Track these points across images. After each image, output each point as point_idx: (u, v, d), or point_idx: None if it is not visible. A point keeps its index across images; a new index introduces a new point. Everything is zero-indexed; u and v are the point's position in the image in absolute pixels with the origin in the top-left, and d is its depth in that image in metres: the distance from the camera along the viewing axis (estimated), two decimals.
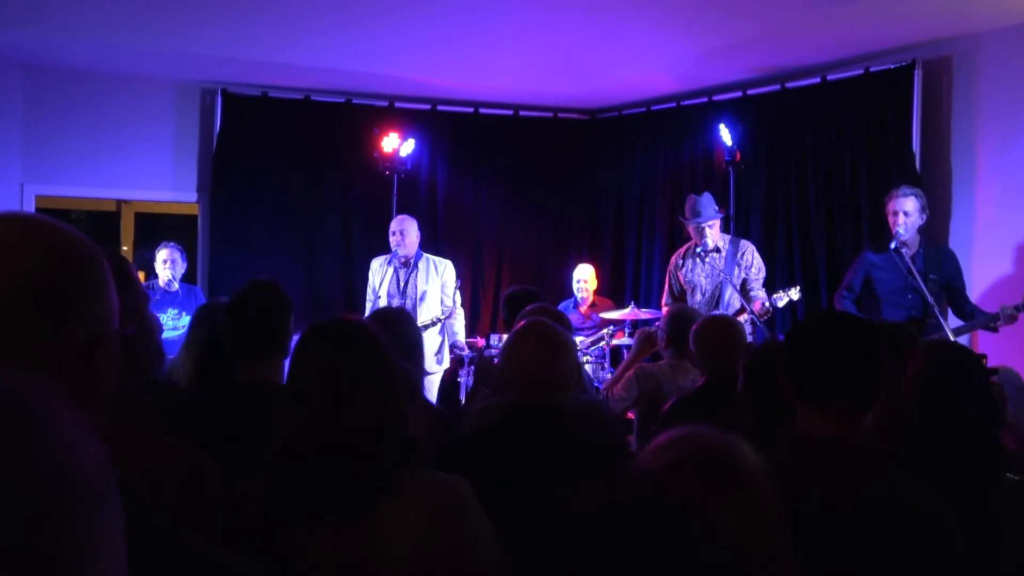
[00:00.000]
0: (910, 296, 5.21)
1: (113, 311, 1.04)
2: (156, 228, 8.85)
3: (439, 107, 8.06)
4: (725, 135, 6.89)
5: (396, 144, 7.51)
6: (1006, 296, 5.36)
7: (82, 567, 0.54)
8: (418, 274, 6.49)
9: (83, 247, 1.03)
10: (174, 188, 7.68)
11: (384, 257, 6.63)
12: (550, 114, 8.37)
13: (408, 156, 7.62)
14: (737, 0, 5.79)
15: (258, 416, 2.45)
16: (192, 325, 3.27)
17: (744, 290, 5.89)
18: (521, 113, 8.26)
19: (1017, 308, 4.91)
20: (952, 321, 5.24)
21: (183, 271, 6.76)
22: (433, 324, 6.25)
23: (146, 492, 1.38)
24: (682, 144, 7.78)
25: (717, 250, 5.96)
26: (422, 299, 6.44)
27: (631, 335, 6.60)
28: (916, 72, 6.17)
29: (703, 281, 5.98)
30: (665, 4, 6.04)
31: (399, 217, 6.67)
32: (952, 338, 4.78)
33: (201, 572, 1.06)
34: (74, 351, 0.97)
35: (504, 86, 7.71)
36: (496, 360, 2.63)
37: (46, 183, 7.33)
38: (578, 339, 6.35)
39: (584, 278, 7.19)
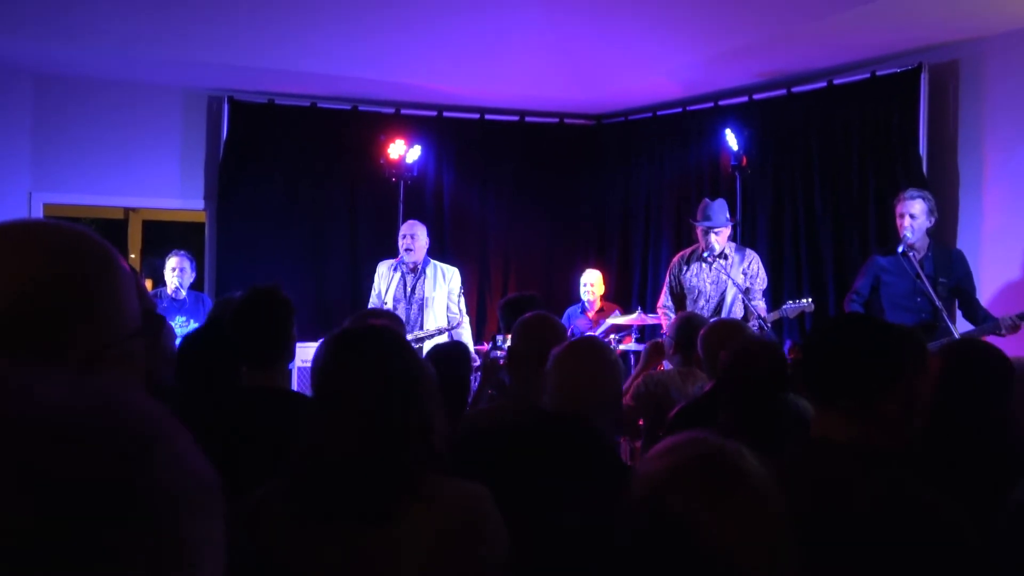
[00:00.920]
0: (919, 300, 5.19)
1: (130, 315, 1.03)
2: (163, 236, 8.88)
3: (445, 113, 8.07)
4: (731, 140, 6.88)
5: (402, 151, 7.52)
6: (1014, 298, 5.34)
7: (199, 562, 0.58)
8: (425, 280, 6.44)
9: (97, 250, 1.02)
10: (181, 196, 7.71)
11: (391, 262, 6.59)
12: (556, 120, 8.37)
13: (414, 162, 7.63)
14: (743, 5, 5.79)
15: (265, 421, 2.46)
16: (196, 332, 3.28)
17: (747, 298, 5.88)
18: (527, 119, 8.27)
19: (1020, 317, 4.91)
20: (960, 325, 5.22)
21: (192, 279, 6.78)
22: (439, 333, 6.22)
23: None
24: (688, 149, 7.78)
25: (724, 257, 5.95)
26: (428, 305, 6.40)
27: (638, 340, 6.60)
28: (922, 76, 6.16)
29: (708, 287, 5.96)
30: (671, 10, 6.04)
31: (409, 222, 6.64)
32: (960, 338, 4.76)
33: None
34: (86, 356, 0.97)
35: (510, 92, 7.72)
36: (547, 368, 2.65)
37: (54, 191, 7.37)
38: None
39: (591, 282, 7.19)
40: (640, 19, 6.24)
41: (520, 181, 8.33)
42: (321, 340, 1.94)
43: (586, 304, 7.20)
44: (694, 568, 1.29)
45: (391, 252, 6.74)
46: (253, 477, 1.85)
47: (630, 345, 6.55)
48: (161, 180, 7.62)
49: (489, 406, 3.24)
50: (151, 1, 6.05)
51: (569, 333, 4.21)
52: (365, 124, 7.83)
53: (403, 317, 6.31)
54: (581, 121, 8.47)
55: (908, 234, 5.20)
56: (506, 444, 2.49)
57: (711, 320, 4.45)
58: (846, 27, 5.82)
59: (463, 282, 6.73)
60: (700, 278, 5.99)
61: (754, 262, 5.98)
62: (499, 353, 4.65)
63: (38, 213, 7.27)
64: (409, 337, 6.07)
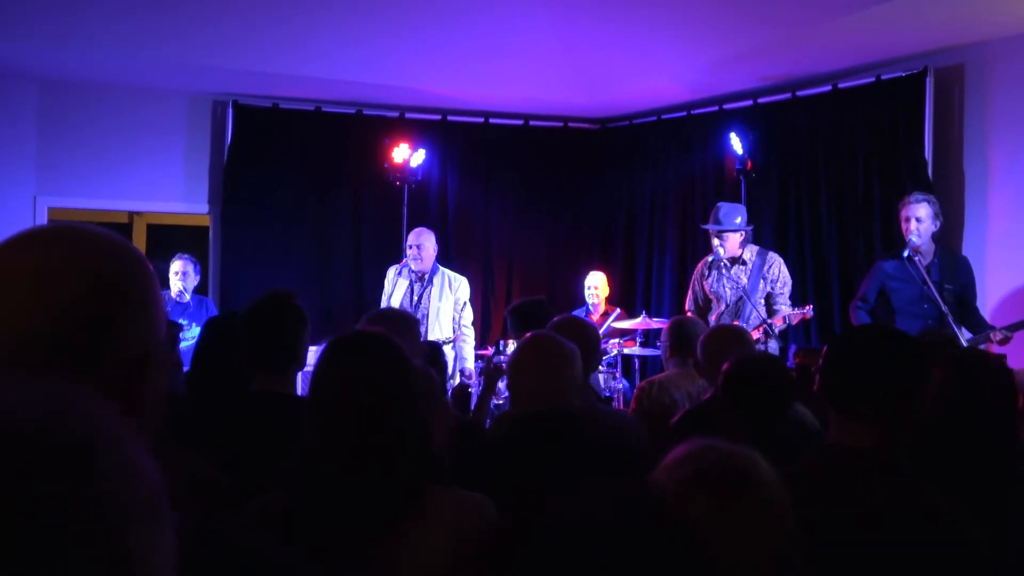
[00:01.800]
0: (925, 306, 5.18)
1: (160, 322, 1.04)
2: (167, 239, 8.89)
3: (449, 117, 8.07)
4: (736, 144, 6.87)
5: (406, 154, 7.51)
6: (1020, 302, 5.33)
7: (149, 574, 0.57)
8: (432, 290, 6.38)
9: (130, 260, 1.03)
10: (185, 199, 7.72)
11: (399, 266, 6.55)
12: (560, 123, 8.37)
13: (419, 166, 7.62)
14: (747, 9, 5.79)
15: (273, 427, 2.45)
16: (202, 337, 3.27)
17: (768, 304, 5.85)
18: (531, 123, 8.26)
19: (1011, 329, 4.94)
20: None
21: (196, 283, 6.78)
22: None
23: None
24: (693, 153, 7.76)
25: (743, 262, 5.91)
26: (433, 316, 6.32)
27: (642, 344, 6.59)
28: (928, 80, 6.15)
29: (727, 293, 5.92)
30: (675, 13, 6.04)
31: (417, 230, 6.58)
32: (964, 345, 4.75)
33: None
34: (124, 367, 0.97)
35: (514, 96, 7.72)
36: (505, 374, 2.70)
37: (59, 195, 7.37)
38: None
39: (596, 285, 7.19)
40: (644, 23, 6.23)
41: (524, 185, 8.33)
42: (322, 344, 1.93)
43: (590, 307, 7.20)
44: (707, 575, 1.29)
45: (395, 256, 6.74)
46: (260, 482, 1.84)
47: (634, 349, 6.54)
48: (165, 184, 7.63)
49: (496, 415, 3.26)
50: (155, 6, 6.06)
51: None
52: (369, 128, 7.83)
53: None
54: (585, 125, 8.47)
55: (914, 238, 5.19)
56: (508, 451, 2.50)
57: (715, 326, 4.42)
58: (851, 31, 5.82)
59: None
60: (721, 284, 5.94)
61: (775, 266, 5.92)
62: (502, 359, 4.64)
63: (43, 217, 7.28)
64: None
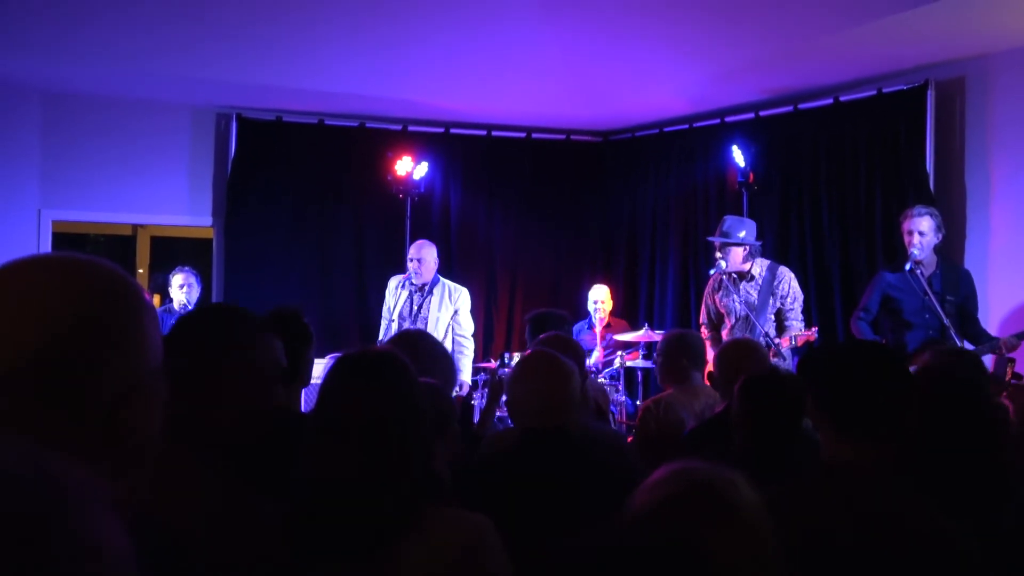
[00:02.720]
0: (927, 316, 5.18)
1: (150, 354, 1.02)
2: (171, 252, 8.92)
3: (452, 130, 8.10)
4: (738, 156, 6.89)
5: (409, 167, 7.54)
6: (1023, 315, 5.32)
7: None
8: (432, 299, 6.40)
9: (128, 289, 1.02)
10: (189, 212, 7.74)
11: (400, 278, 6.56)
12: (563, 136, 8.39)
13: (421, 179, 7.64)
14: (748, 22, 5.81)
15: (276, 442, 2.45)
16: None
17: (779, 319, 5.83)
18: (534, 136, 8.29)
19: (1020, 336, 4.93)
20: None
21: (198, 295, 6.80)
22: None
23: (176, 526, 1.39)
24: (695, 165, 7.78)
25: (752, 277, 5.89)
26: (432, 326, 6.31)
27: (645, 357, 6.59)
28: (929, 93, 6.16)
29: (737, 307, 5.88)
30: (677, 27, 6.06)
31: (417, 243, 6.59)
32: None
33: None
34: (107, 403, 0.96)
35: (517, 109, 7.74)
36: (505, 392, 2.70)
37: (63, 208, 7.40)
38: (591, 360, 6.35)
39: (600, 299, 7.18)
40: (647, 36, 6.26)
41: (527, 197, 8.34)
42: (330, 358, 1.93)
43: (594, 320, 7.19)
44: None
45: (398, 268, 6.75)
46: (263, 496, 1.84)
47: (636, 361, 6.55)
48: (169, 197, 7.65)
49: (496, 432, 3.25)
50: (159, 19, 6.09)
51: None
52: (372, 141, 7.86)
53: None
54: (588, 137, 8.49)
55: (916, 251, 5.19)
56: (507, 469, 2.50)
57: (730, 340, 4.38)
58: (852, 44, 5.83)
59: (470, 297, 6.68)
60: (731, 299, 5.91)
61: (784, 281, 5.87)
62: (507, 372, 4.65)
63: (47, 230, 7.30)
64: None
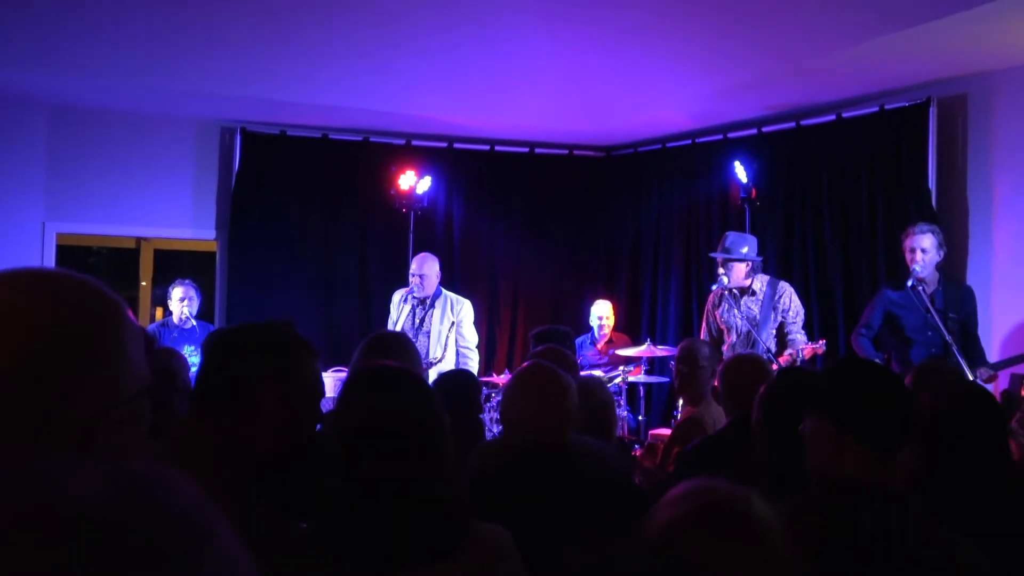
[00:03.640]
0: (929, 334, 5.18)
1: (137, 373, 1.00)
2: (175, 265, 8.92)
3: (455, 145, 8.12)
4: (740, 172, 6.90)
5: (413, 182, 7.56)
6: None
7: None
8: (434, 312, 6.38)
9: (107, 306, 1.00)
10: (193, 225, 7.76)
11: (403, 291, 6.55)
12: (565, 151, 8.41)
13: (424, 193, 7.66)
14: (751, 40, 5.83)
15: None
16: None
17: (781, 334, 5.83)
18: (537, 151, 8.31)
19: (996, 367, 5.00)
20: None
21: (198, 308, 6.80)
22: (428, 366, 6.06)
23: None
24: (697, 181, 7.79)
25: (753, 292, 5.90)
26: (436, 338, 6.31)
27: (647, 372, 6.59)
28: (931, 109, 6.17)
29: (738, 322, 5.89)
30: (680, 43, 6.09)
31: (419, 257, 6.56)
32: (971, 376, 4.74)
33: None
34: (91, 416, 0.94)
35: (520, 124, 7.77)
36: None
37: (67, 221, 7.42)
38: (595, 374, 6.35)
39: (603, 314, 7.19)
40: (649, 52, 6.28)
41: (529, 212, 8.36)
42: (333, 371, 1.93)
43: (596, 336, 7.19)
44: None
45: (401, 282, 6.75)
46: (274, 511, 1.84)
47: (639, 376, 6.54)
48: (173, 210, 7.67)
49: (482, 444, 3.24)
50: (165, 34, 6.13)
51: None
52: (376, 155, 7.88)
53: None
54: (590, 153, 8.51)
55: (918, 268, 5.20)
56: (504, 483, 2.50)
57: (734, 355, 4.35)
58: (855, 61, 5.85)
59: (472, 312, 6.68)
60: (732, 314, 5.92)
61: (785, 296, 5.89)
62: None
63: (51, 243, 7.32)
64: None
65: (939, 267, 5.33)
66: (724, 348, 5.90)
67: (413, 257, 6.80)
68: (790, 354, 5.53)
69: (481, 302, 7.90)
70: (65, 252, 7.69)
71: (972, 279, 5.92)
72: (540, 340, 4.57)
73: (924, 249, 5.23)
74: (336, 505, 1.75)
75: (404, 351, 3.10)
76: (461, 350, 6.41)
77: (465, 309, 6.47)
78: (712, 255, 5.99)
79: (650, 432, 5.93)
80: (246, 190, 7.63)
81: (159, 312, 8.46)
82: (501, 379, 6.56)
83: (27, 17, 5.84)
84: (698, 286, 7.61)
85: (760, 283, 5.92)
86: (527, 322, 7.90)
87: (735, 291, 5.87)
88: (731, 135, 7.46)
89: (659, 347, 6.53)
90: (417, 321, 6.37)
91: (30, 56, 6.22)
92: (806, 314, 6.60)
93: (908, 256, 5.30)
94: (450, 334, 6.39)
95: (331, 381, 5.05)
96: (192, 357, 6.34)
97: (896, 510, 1.92)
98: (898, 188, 6.37)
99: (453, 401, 2.80)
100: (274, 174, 7.69)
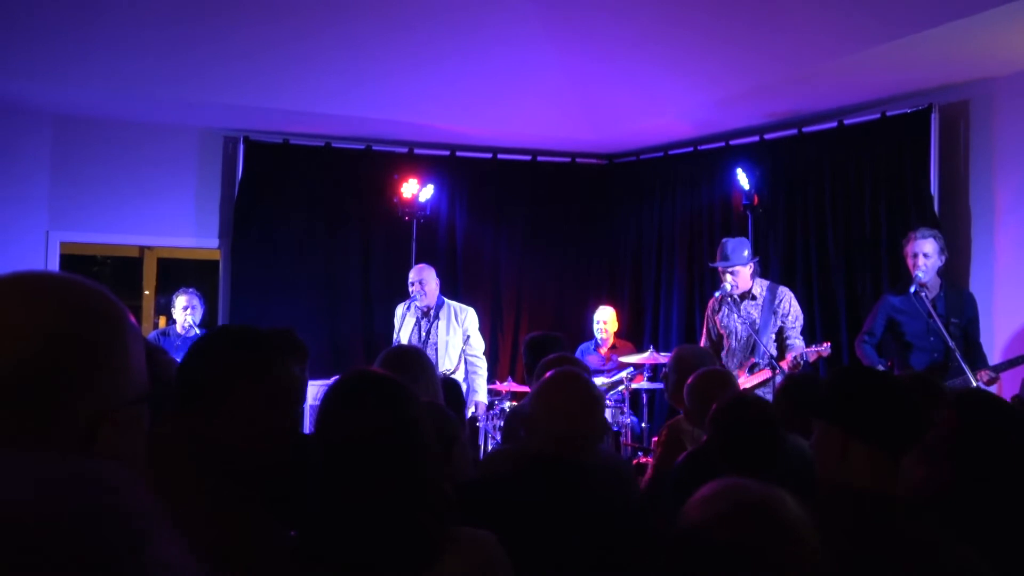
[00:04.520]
0: (932, 340, 5.18)
1: (137, 379, 1.00)
2: (178, 273, 8.94)
3: (458, 153, 8.14)
4: (743, 179, 6.90)
5: (415, 190, 7.57)
6: None
7: None
8: (440, 323, 6.37)
9: (108, 310, 0.99)
10: (196, 234, 7.77)
11: (407, 303, 6.55)
12: (568, 159, 8.42)
13: (427, 201, 7.67)
14: (753, 47, 5.84)
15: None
16: None
17: (781, 338, 5.84)
18: (539, 158, 8.32)
19: (997, 369, 4.98)
20: None
21: (201, 316, 6.81)
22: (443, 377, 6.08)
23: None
24: (700, 188, 7.80)
25: (753, 296, 5.91)
26: (443, 350, 6.31)
27: (650, 379, 6.58)
28: (933, 116, 6.18)
29: (738, 328, 5.90)
30: (681, 51, 6.10)
31: (417, 267, 6.58)
32: (974, 382, 4.74)
33: None
34: (89, 420, 0.94)
35: (522, 132, 7.78)
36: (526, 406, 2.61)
37: (71, 230, 7.44)
38: (598, 380, 6.35)
39: (605, 320, 7.20)
40: (651, 60, 6.30)
41: (532, 220, 8.37)
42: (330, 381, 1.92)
43: (599, 341, 7.20)
44: None
45: (404, 290, 6.76)
46: (266, 520, 1.84)
47: (642, 384, 6.54)
48: (176, 218, 7.69)
49: (495, 450, 3.22)
50: (168, 44, 6.16)
51: None
52: (379, 163, 7.89)
53: None
54: (593, 160, 8.52)
55: (921, 274, 5.20)
56: (516, 493, 2.47)
57: (704, 367, 4.34)
58: (856, 68, 5.86)
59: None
60: (731, 319, 5.93)
61: (785, 300, 5.91)
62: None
63: (55, 251, 7.34)
64: None
65: (941, 273, 5.33)
66: (723, 353, 5.91)
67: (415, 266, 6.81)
68: (793, 358, 5.54)
69: (484, 310, 7.90)
70: (69, 261, 7.71)
71: (975, 285, 5.92)
72: (535, 347, 4.52)
73: (926, 254, 5.23)
74: (317, 512, 1.74)
75: (420, 366, 3.10)
76: (469, 359, 6.40)
77: (471, 317, 6.47)
78: (717, 266, 5.97)
79: (653, 439, 5.93)
80: (249, 199, 7.64)
81: (163, 320, 8.47)
82: (504, 386, 6.56)
83: (31, 27, 5.87)
84: (701, 293, 7.62)
85: (760, 287, 5.95)
86: (530, 329, 7.89)
87: (735, 296, 5.88)
88: (733, 142, 7.47)
89: (662, 354, 6.52)
90: (423, 334, 6.35)
91: (34, 66, 6.24)
92: (809, 321, 6.61)
93: (910, 262, 5.31)
94: (466, 346, 6.38)
95: None
96: None
97: (907, 520, 1.92)
98: (900, 194, 6.37)
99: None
100: (277, 182, 7.71)
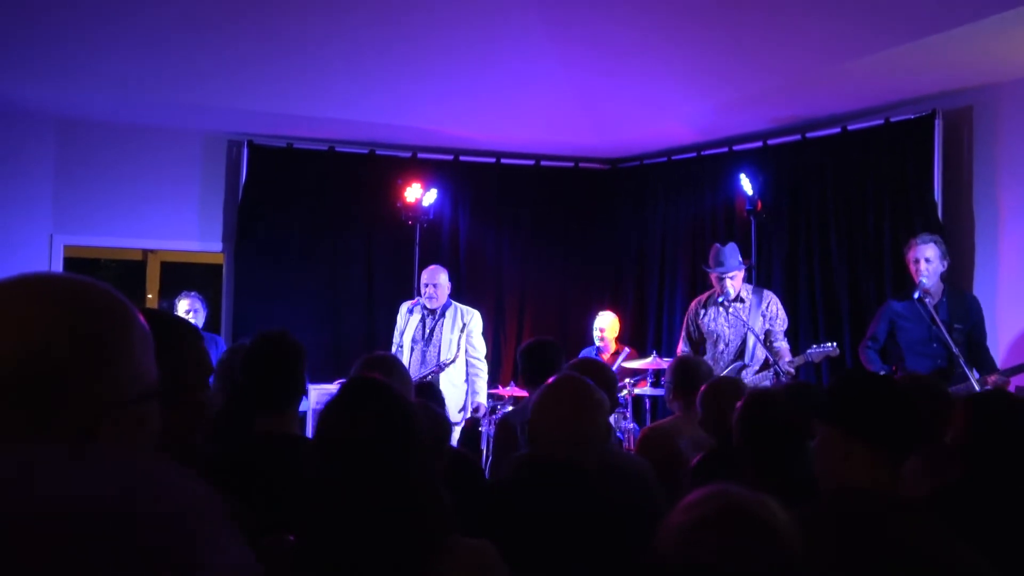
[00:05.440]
0: (935, 346, 5.17)
1: (143, 376, 1.00)
2: (181, 277, 8.95)
3: (461, 157, 8.14)
4: (746, 184, 6.90)
5: (419, 194, 7.57)
6: None
7: None
8: (444, 322, 6.41)
9: (114, 308, 1.00)
10: (200, 238, 7.78)
11: (411, 302, 6.59)
12: (571, 164, 8.42)
13: (431, 206, 7.67)
14: (756, 53, 5.85)
15: (277, 469, 2.45)
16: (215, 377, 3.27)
17: (768, 341, 5.85)
18: (542, 163, 8.33)
19: (1007, 373, 4.95)
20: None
21: (204, 320, 6.81)
22: (440, 369, 6.09)
23: None
24: (703, 193, 7.80)
25: (741, 300, 5.93)
26: (445, 347, 6.33)
27: (653, 384, 6.58)
28: (936, 122, 6.17)
29: (727, 331, 5.93)
30: (684, 57, 6.11)
31: (430, 269, 6.60)
32: (977, 388, 4.73)
33: None
34: (90, 416, 0.94)
35: (526, 137, 7.79)
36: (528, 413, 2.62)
37: (75, 233, 7.45)
38: None
39: (603, 327, 7.18)
40: (654, 66, 6.30)
41: (536, 224, 8.37)
42: (338, 383, 1.92)
43: (599, 347, 7.19)
44: None
45: (407, 294, 6.77)
46: (265, 525, 1.84)
47: (645, 389, 6.54)
48: (180, 222, 7.70)
49: (508, 458, 3.22)
50: (171, 48, 6.17)
51: None
52: (382, 168, 7.90)
53: (420, 358, 6.30)
54: (596, 165, 8.52)
55: (924, 280, 5.19)
56: (515, 498, 2.47)
57: (714, 375, 4.35)
58: (860, 74, 5.86)
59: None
60: (718, 323, 5.96)
61: (772, 304, 5.95)
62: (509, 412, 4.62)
63: (59, 255, 7.35)
64: (423, 372, 6.06)
65: (944, 278, 5.32)
66: (706, 358, 5.91)
67: (420, 270, 6.83)
68: (805, 355, 5.56)
69: (487, 314, 7.90)
70: (72, 264, 7.72)
71: (978, 290, 5.92)
72: (529, 355, 4.50)
73: (928, 259, 5.23)
74: (313, 518, 1.74)
75: (396, 372, 3.13)
76: (470, 360, 6.42)
77: (475, 319, 6.51)
78: (716, 271, 5.96)
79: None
80: (253, 202, 7.65)
81: None
82: (507, 391, 6.56)
83: (35, 31, 5.88)
84: None
85: (746, 291, 5.97)
86: (533, 334, 7.88)
87: (723, 299, 5.89)
88: (736, 148, 7.47)
89: (665, 359, 6.51)
90: (427, 331, 6.39)
91: (38, 70, 6.26)
92: (812, 326, 6.61)
93: (912, 267, 5.31)
94: (461, 337, 6.40)
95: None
96: None
97: (910, 520, 1.92)
98: (904, 200, 6.37)
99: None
100: (281, 187, 7.72)
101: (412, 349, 6.38)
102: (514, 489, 2.49)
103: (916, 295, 5.16)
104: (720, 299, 5.94)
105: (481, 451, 6.05)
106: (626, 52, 6.23)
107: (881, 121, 6.52)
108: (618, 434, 6.11)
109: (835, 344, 5.63)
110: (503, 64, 6.52)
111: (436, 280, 6.44)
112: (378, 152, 7.95)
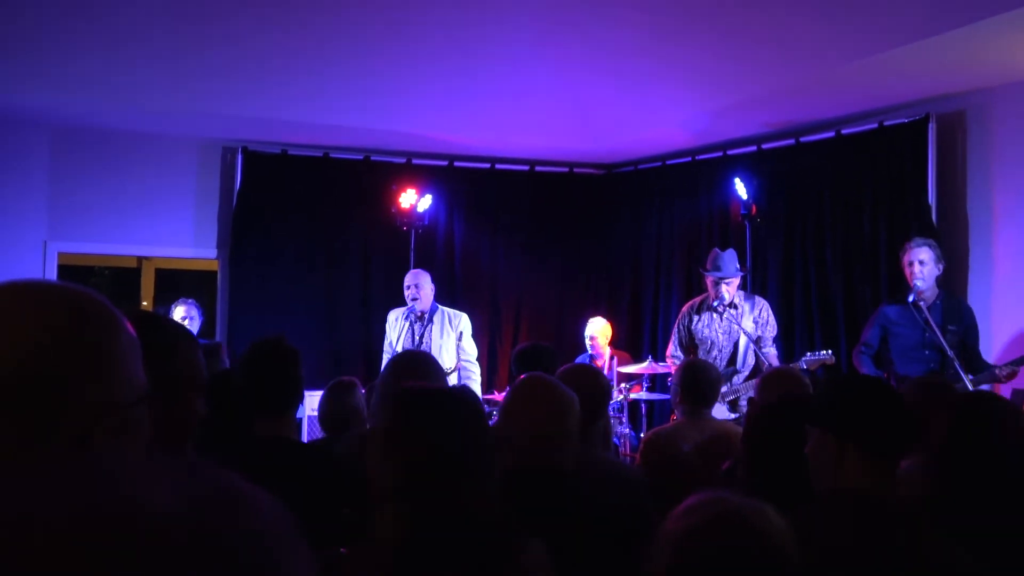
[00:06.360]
0: (927, 352, 5.18)
1: (132, 382, 1.00)
2: (176, 284, 8.94)
3: (456, 163, 8.14)
4: (740, 189, 6.91)
5: (414, 200, 7.57)
6: None
7: None
8: (433, 328, 6.43)
9: (102, 315, 1.00)
10: (194, 244, 7.77)
11: (400, 310, 6.59)
12: (566, 169, 8.43)
13: (425, 211, 7.67)
14: (750, 58, 5.86)
15: (278, 472, 2.44)
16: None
17: (757, 347, 5.87)
18: (537, 168, 8.33)
19: (1015, 364, 4.92)
20: None
21: (199, 327, 6.80)
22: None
23: None
24: (698, 198, 7.80)
25: (734, 306, 5.94)
26: (437, 353, 6.35)
27: (649, 389, 6.57)
28: (930, 126, 6.19)
29: (720, 337, 5.94)
30: (679, 62, 6.12)
31: (412, 272, 6.64)
32: (971, 389, 4.73)
33: None
34: (82, 423, 0.94)
35: (520, 142, 7.79)
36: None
37: (69, 240, 7.43)
38: None
39: (593, 335, 7.11)
40: (649, 71, 6.31)
41: (530, 229, 8.37)
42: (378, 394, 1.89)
43: (592, 354, 7.17)
44: None
45: (403, 300, 6.76)
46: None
47: (640, 394, 6.52)
48: (175, 229, 7.68)
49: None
50: (166, 55, 6.17)
51: None
52: (377, 173, 7.90)
53: None
54: (591, 170, 8.53)
55: (919, 283, 5.20)
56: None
57: (773, 369, 4.32)
58: (853, 78, 5.87)
59: (473, 330, 6.70)
60: (712, 328, 5.97)
61: (764, 310, 5.98)
62: None
63: (53, 262, 7.33)
64: None
65: (939, 281, 5.33)
66: None
67: None
68: (802, 362, 5.58)
69: (482, 319, 7.91)
70: (67, 271, 7.71)
71: (973, 294, 5.93)
72: (523, 359, 4.49)
73: (922, 261, 5.24)
74: (387, 531, 1.72)
75: (433, 372, 3.08)
76: (463, 363, 6.45)
77: (464, 322, 6.53)
78: (714, 275, 5.96)
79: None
80: (248, 209, 7.65)
81: None
82: (502, 396, 6.55)
83: (29, 39, 5.87)
84: None
85: (739, 297, 5.99)
86: (529, 339, 7.89)
87: (717, 304, 5.90)
88: (731, 152, 7.48)
89: (660, 364, 6.51)
90: (417, 338, 6.40)
91: (32, 77, 6.25)
92: (808, 330, 6.62)
93: (907, 271, 5.31)
94: (460, 350, 6.43)
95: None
96: None
97: (904, 524, 1.92)
98: (898, 204, 6.38)
99: None
100: (275, 193, 7.71)
101: None
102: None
103: (911, 298, 5.16)
104: (715, 303, 5.94)
105: None
106: (620, 58, 6.24)
107: (875, 125, 6.54)
108: (615, 439, 6.11)
109: (830, 352, 5.64)
110: (497, 69, 6.53)
111: (417, 282, 6.46)
112: (373, 158, 7.95)
